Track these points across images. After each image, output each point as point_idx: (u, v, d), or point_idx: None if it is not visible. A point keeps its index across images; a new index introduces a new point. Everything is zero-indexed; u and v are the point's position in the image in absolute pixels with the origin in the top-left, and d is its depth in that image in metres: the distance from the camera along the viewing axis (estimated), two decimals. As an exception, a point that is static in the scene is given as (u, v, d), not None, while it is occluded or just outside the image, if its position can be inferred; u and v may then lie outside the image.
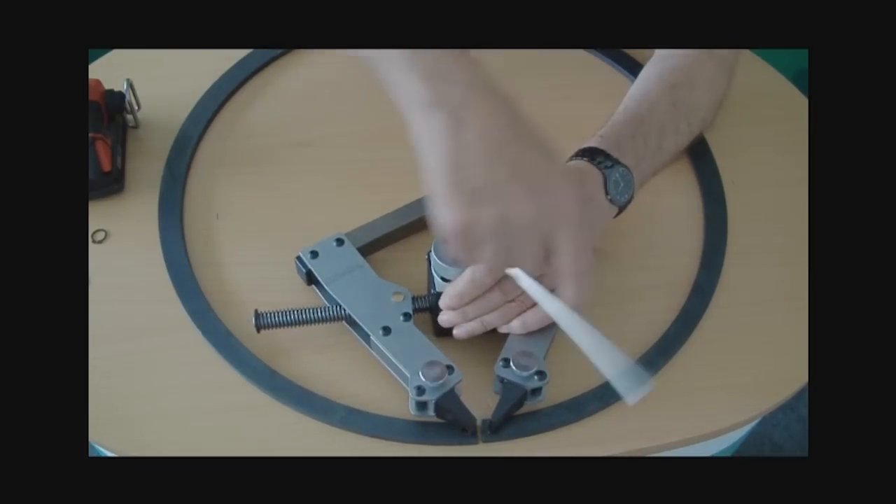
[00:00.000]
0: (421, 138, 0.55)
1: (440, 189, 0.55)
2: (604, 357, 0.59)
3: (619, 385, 0.59)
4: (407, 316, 0.68)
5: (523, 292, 0.65)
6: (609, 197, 0.69)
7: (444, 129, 0.54)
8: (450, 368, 0.64)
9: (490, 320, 0.66)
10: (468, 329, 0.66)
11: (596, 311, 0.70)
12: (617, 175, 0.69)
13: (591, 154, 0.69)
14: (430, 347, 0.66)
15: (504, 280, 0.65)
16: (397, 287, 0.69)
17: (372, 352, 0.69)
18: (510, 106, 0.56)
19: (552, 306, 0.60)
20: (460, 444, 0.65)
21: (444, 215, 0.55)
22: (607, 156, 0.69)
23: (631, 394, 0.59)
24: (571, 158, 0.70)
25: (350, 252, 0.71)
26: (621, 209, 0.70)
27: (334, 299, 0.69)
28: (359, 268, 0.70)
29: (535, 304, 0.65)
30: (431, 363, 0.64)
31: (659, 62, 0.77)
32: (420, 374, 0.64)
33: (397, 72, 0.56)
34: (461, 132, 0.54)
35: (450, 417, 0.65)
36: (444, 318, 0.67)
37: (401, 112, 0.57)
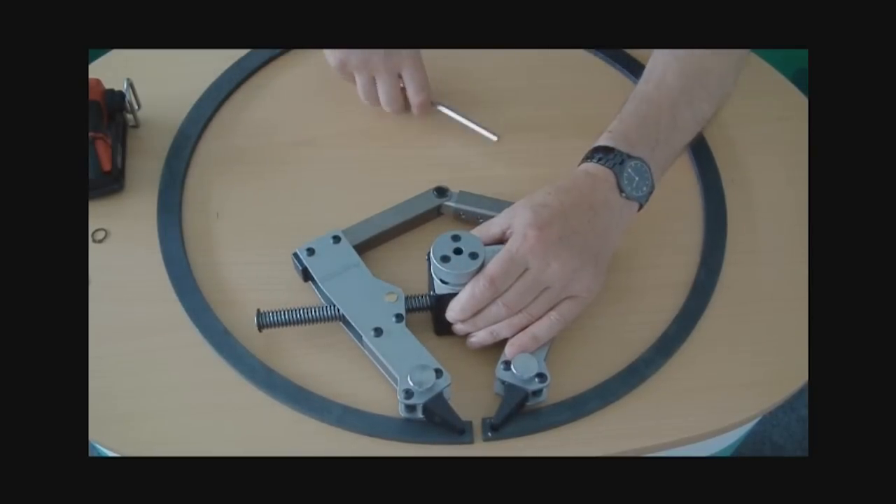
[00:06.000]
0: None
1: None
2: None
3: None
4: (399, 317, 0.67)
5: (529, 304, 0.66)
6: (625, 195, 0.68)
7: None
8: (438, 372, 0.64)
9: (499, 331, 0.67)
10: (481, 338, 0.67)
11: (596, 311, 0.70)
12: (629, 170, 0.68)
13: (601, 153, 0.69)
14: (421, 350, 0.66)
15: (505, 294, 0.66)
16: (391, 287, 0.69)
17: (365, 352, 0.69)
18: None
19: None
20: (458, 443, 0.65)
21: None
22: (617, 152, 0.68)
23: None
24: (583, 161, 0.70)
25: (346, 250, 0.71)
26: (643, 203, 0.70)
27: (328, 298, 0.69)
28: (354, 266, 0.70)
29: (541, 316, 0.66)
30: (420, 367, 0.64)
31: None
32: (408, 377, 0.64)
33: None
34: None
35: (438, 421, 0.64)
36: (458, 329, 0.68)
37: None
